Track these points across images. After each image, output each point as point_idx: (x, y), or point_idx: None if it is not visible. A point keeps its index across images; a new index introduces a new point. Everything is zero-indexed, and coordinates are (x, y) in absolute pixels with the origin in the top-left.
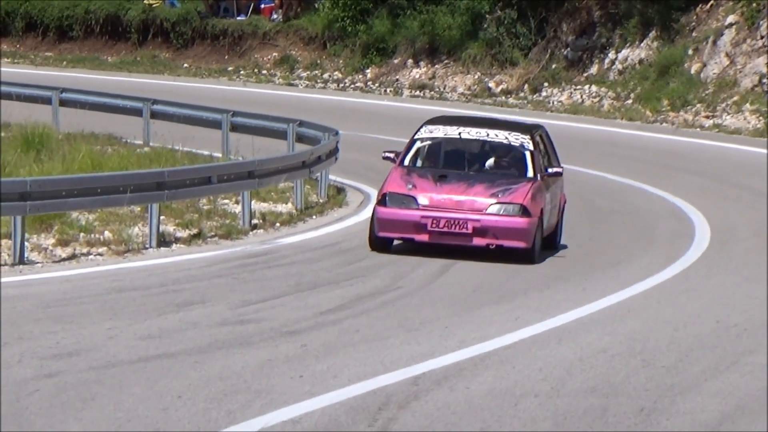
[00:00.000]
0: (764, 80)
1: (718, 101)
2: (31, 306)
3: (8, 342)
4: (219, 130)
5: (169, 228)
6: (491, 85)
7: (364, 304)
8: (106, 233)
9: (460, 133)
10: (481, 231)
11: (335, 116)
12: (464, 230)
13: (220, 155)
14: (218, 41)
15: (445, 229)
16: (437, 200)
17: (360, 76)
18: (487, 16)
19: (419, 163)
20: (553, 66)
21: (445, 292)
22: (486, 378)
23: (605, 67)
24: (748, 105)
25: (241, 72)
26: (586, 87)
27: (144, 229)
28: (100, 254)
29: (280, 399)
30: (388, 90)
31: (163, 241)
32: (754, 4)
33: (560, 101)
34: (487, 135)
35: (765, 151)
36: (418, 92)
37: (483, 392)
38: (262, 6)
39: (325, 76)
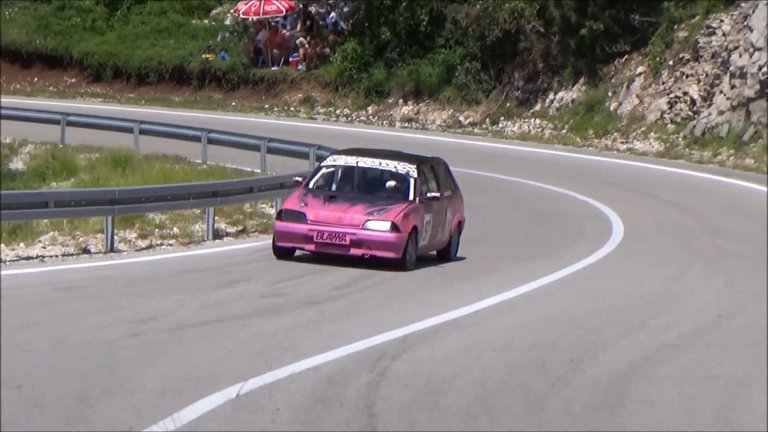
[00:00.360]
0: (665, 115)
1: (630, 131)
2: (119, 283)
3: (103, 310)
4: (258, 152)
5: (222, 225)
6: (461, 119)
7: (366, 283)
8: (175, 229)
9: (357, 162)
10: (357, 243)
11: (345, 142)
12: (343, 242)
13: (259, 171)
14: (257, 85)
15: (328, 241)
16: (322, 216)
17: (363, 112)
18: (458, 66)
19: (323, 186)
20: (507, 104)
21: (424, 275)
22: (456, 337)
23: (546, 105)
24: (652, 134)
25: (275, 109)
26: (532, 120)
27: (203, 226)
28: (170, 245)
29: (304, 353)
30: (384, 122)
31: (217, 235)
32: (657, 59)
33: (513, 131)
34: (380, 164)
35: (666, 168)
36: (406, 124)
37: (454, 348)
38: (291, 59)
39: (337, 112)
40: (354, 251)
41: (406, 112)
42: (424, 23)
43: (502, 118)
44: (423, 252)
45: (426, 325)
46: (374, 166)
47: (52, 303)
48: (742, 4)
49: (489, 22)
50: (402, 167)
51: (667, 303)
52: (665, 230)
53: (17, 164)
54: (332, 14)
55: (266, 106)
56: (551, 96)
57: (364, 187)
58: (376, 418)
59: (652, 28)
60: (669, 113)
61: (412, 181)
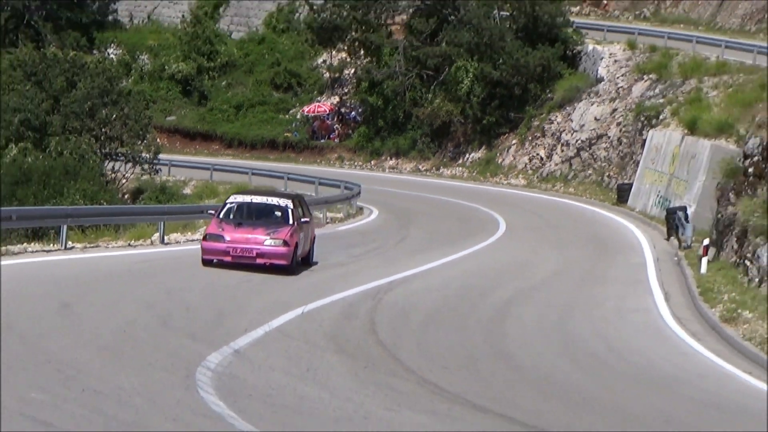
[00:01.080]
0: (527, 166)
1: (509, 174)
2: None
3: (217, 271)
4: (313, 184)
5: None
6: (420, 167)
7: (371, 253)
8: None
9: (251, 199)
10: (260, 255)
11: (359, 179)
12: (250, 255)
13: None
14: (313, 150)
15: (240, 254)
16: (235, 237)
17: (369, 164)
18: (418, 140)
19: (230, 216)
20: (444, 159)
21: (404, 247)
22: (418, 282)
23: (465, 160)
24: (521, 175)
25: (322, 162)
26: (458, 168)
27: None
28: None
29: (333, 292)
30: (380, 169)
31: None
32: (522, 136)
33: (447, 174)
34: (267, 200)
35: (528, 193)
36: (391, 170)
37: (417, 288)
38: (331, 136)
39: (355, 164)
40: (259, 261)
41: (391, 164)
42: (402, 117)
43: (441, 167)
44: (297, 258)
45: (402, 275)
46: (263, 201)
47: (193, 267)
48: (567, 107)
49: (434, 117)
50: (282, 201)
51: (528, 266)
52: (528, 227)
53: (187, 191)
54: (353, 113)
55: (318, 161)
56: (467, 155)
57: (258, 216)
58: (375, 324)
59: (520, 119)
60: (529, 164)
61: (290, 210)
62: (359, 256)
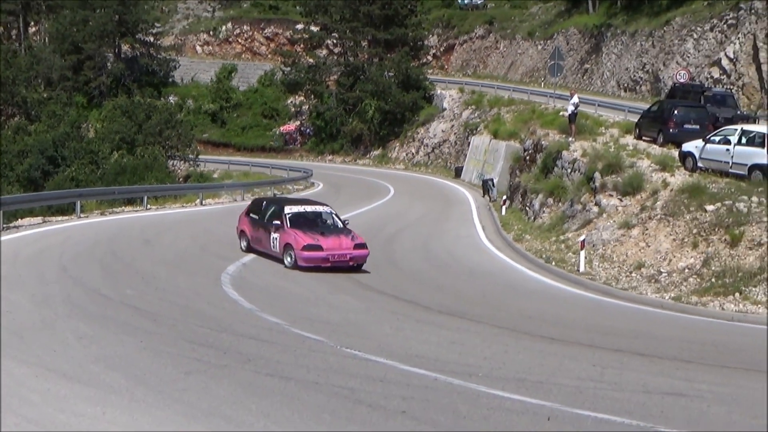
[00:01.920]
0: (405, 158)
1: (396, 162)
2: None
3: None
4: (286, 170)
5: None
6: (346, 160)
7: None
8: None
9: (303, 209)
10: (352, 258)
11: (314, 168)
12: (345, 259)
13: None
14: (286, 151)
15: (337, 260)
16: (329, 246)
17: (317, 159)
18: (344, 144)
19: (298, 225)
20: (359, 155)
21: (337, 203)
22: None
23: (371, 155)
24: (402, 163)
25: (291, 158)
26: (367, 160)
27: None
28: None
29: None
30: (324, 161)
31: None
32: (404, 140)
33: (361, 163)
34: (315, 208)
35: (409, 174)
36: (330, 161)
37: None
38: (296, 143)
39: (310, 159)
40: (350, 263)
41: (330, 158)
42: (335, 132)
43: (357, 159)
44: None
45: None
46: (313, 210)
47: (220, 217)
48: (426, 125)
49: (353, 132)
50: (326, 208)
51: (406, 213)
52: (406, 192)
53: (215, 176)
54: (308, 130)
55: (288, 157)
56: (371, 153)
57: (320, 223)
58: None
59: (401, 131)
60: (406, 157)
61: (335, 215)
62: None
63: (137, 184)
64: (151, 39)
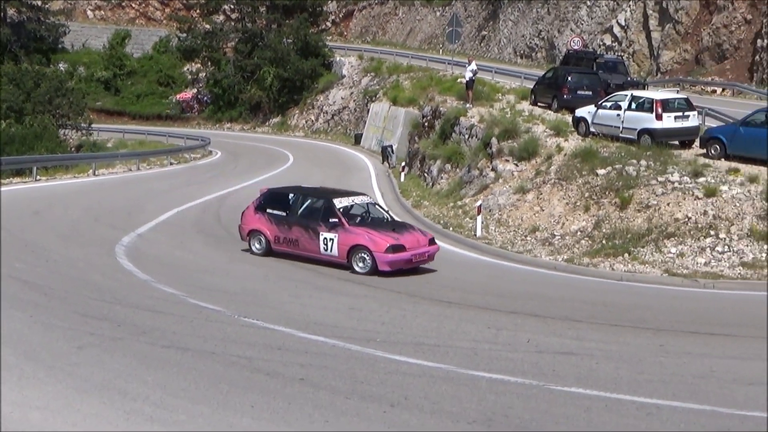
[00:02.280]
0: (304, 125)
1: (295, 130)
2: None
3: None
4: (182, 138)
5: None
6: (244, 128)
7: (218, 176)
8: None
9: (352, 202)
10: (429, 256)
11: (212, 136)
12: (423, 258)
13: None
14: (182, 120)
15: (418, 260)
16: (410, 245)
17: (215, 127)
18: (242, 112)
19: (355, 220)
20: (258, 123)
21: (236, 172)
22: (245, 192)
23: (270, 122)
24: (301, 131)
25: (188, 126)
26: (266, 128)
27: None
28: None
29: (196, 198)
30: (222, 129)
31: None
32: (303, 107)
33: (260, 131)
34: (362, 199)
35: (305, 140)
36: (228, 129)
37: (243, 195)
38: (194, 111)
39: (207, 127)
40: (427, 262)
41: (228, 126)
42: (233, 99)
43: (256, 127)
44: None
45: (235, 188)
46: (360, 202)
47: (112, 188)
48: (326, 92)
49: (251, 99)
50: (366, 199)
51: (305, 180)
52: (305, 159)
53: (109, 145)
54: (205, 98)
55: (185, 125)
56: (271, 120)
57: (370, 217)
58: (220, 216)
59: (300, 99)
60: (306, 124)
61: (379, 207)
62: (212, 178)
63: (26, 154)
64: (39, 2)
